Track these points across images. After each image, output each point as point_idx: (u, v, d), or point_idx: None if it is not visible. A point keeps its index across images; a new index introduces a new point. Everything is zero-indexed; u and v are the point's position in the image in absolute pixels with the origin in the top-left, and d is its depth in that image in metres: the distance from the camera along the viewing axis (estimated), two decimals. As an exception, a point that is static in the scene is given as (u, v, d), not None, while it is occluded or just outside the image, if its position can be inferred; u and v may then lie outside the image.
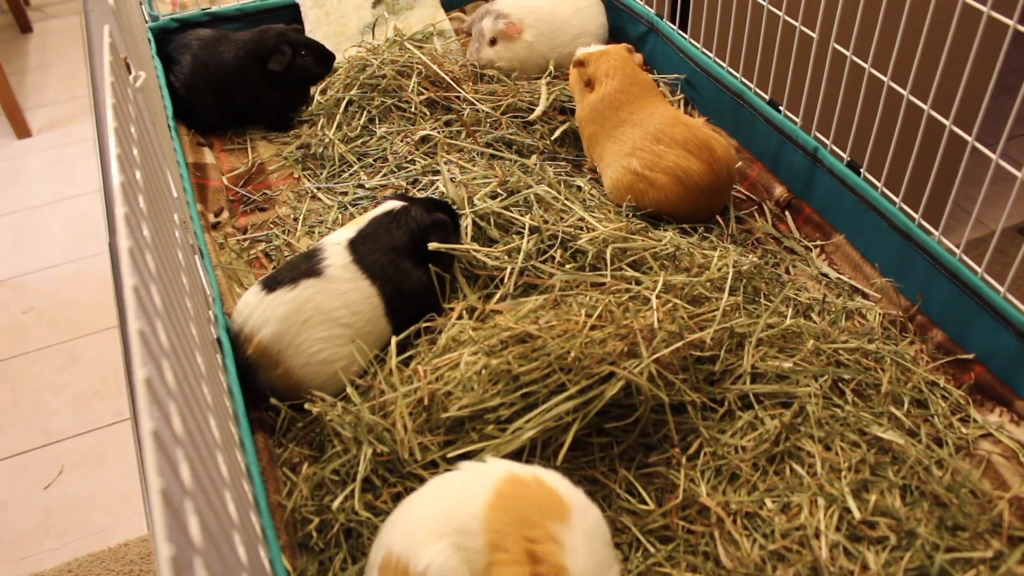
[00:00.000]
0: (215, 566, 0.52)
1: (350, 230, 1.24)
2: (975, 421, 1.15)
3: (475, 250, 1.27)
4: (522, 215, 1.32)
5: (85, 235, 3.11)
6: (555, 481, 0.89)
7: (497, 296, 1.22)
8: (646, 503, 1.03)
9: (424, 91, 1.71)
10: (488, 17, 1.83)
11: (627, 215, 1.44)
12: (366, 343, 1.19)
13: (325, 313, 1.16)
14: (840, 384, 1.16)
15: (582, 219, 1.33)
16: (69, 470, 2.28)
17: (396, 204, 1.27)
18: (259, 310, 1.15)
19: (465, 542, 0.83)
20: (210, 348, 1.03)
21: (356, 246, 1.21)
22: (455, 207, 1.34)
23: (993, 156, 1.14)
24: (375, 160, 1.64)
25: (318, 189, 1.62)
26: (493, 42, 1.82)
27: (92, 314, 2.77)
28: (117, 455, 2.31)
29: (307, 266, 1.18)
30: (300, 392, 1.15)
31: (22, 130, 3.68)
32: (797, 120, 1.53)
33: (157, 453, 0.47)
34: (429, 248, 1.24)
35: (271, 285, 1.17)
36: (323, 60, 1.79)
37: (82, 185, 3.37)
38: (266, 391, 1.15)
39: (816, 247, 1.46)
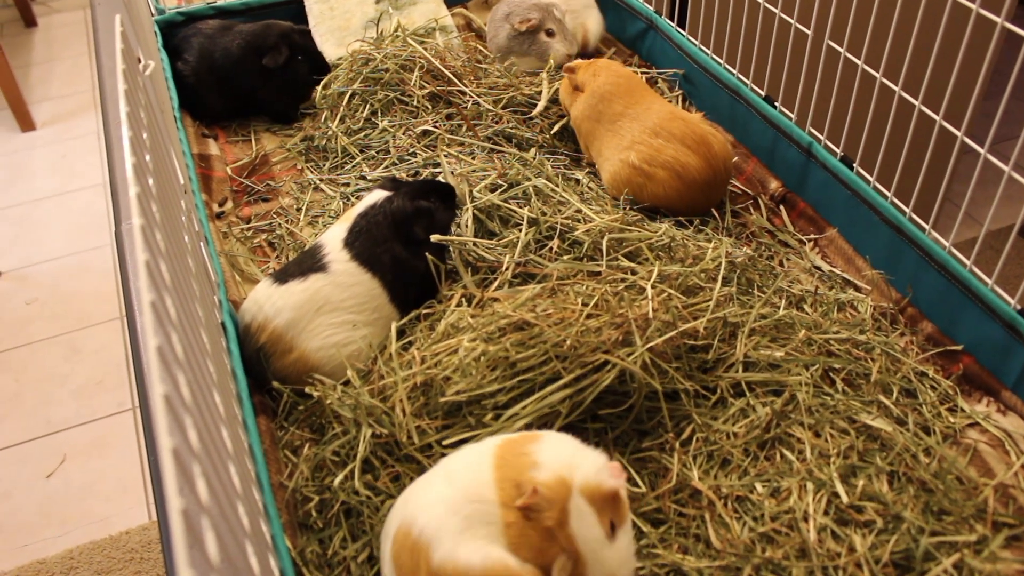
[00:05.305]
0: (221, 528, 0.55)
1: (341, 228, 1.27)
2: (962, 410, 1.17)
3: (474, 243, 1.29)
4: (520, 207, 1.34)
5: (88, 228, 3.13)
6: (540, 432, 0.93)
7: (495, 284, 1.25)
8: (639, 487, 1.06)
9: (426, 85, 1.73)
10: (552, 13, 1.82)
11: (624, 207, 1.47)
12: (376, 328, 1.23)
13: (335, 303, 1.20)
14: (831, 373, 1.18)
15: (579, 211, 1.36)
16: (71, 459, 2.30)
17: (380, 195, 1.30)
18: (272, 299, 1.19)
19: (487, 517, 0.85)
20: (215, 330, 1.06)
21: (351, 244, 1.24)
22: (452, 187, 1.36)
23: (981, 150, 1.16)
24: (377, 152, 1.66)
25: (321, 180, 1.64)
26: (551, 33, 1.85)
27: (94, 306, 2.79)
28: (119, 445, 2.33)
29: (311, 263, 1.23)
30: (313, 377, 1.18)
31: (26, 123, 3.70)
32: (792, 116, 1.55)
33: (167, 415, 0.49)
34: (429, 240, 1.26)
35: (282, 278, 1.22)
36: (318, 68, 1.84)
37: (85, 178, 3.39)
38: (274, 380, 1.18)
39: (809, 240, 1.48)
